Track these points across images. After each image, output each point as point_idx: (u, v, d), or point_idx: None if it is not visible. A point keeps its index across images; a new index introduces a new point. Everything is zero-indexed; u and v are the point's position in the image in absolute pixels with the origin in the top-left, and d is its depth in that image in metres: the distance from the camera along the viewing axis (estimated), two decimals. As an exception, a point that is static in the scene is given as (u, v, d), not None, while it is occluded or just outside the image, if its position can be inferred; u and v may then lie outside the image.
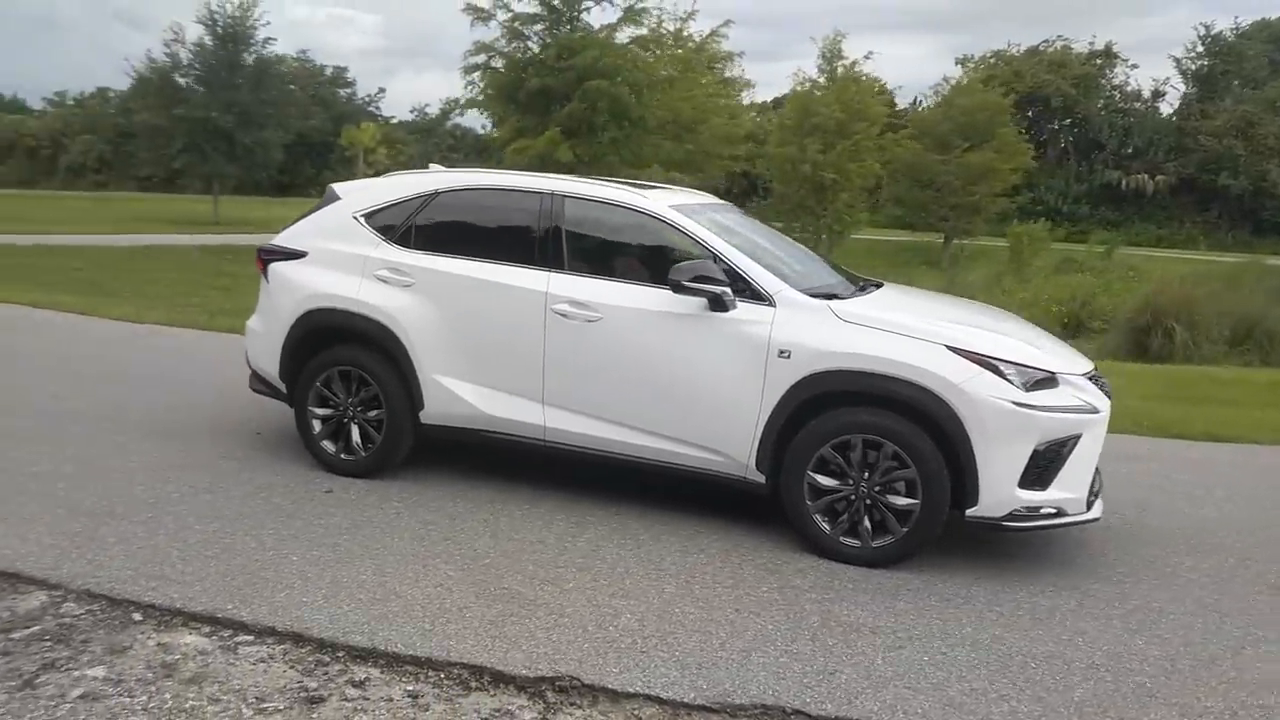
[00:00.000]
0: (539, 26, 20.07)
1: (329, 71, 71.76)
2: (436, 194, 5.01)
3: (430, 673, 3.18)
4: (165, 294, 13.69)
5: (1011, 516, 4.06)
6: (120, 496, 4.59)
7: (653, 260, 4.70)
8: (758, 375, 4.25)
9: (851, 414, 4.16)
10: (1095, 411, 4.18)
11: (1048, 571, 4.27)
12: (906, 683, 3.21)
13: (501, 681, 3.15)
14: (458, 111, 23.10)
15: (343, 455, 5.08)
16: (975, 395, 3.96)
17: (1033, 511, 4.07)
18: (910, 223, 35.54)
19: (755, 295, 4.33)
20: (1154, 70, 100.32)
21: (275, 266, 5.21)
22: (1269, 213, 45.95)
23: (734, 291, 4.31)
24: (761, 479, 4.35)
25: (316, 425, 5.12)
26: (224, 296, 13.38)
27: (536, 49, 20.11)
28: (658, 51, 22.55)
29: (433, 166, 5.66)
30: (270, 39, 32.93)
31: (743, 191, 45.79)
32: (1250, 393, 9.27)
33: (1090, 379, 4.33)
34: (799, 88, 30.31)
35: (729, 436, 4.35)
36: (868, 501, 4.17)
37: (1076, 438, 4.09)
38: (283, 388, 5.22)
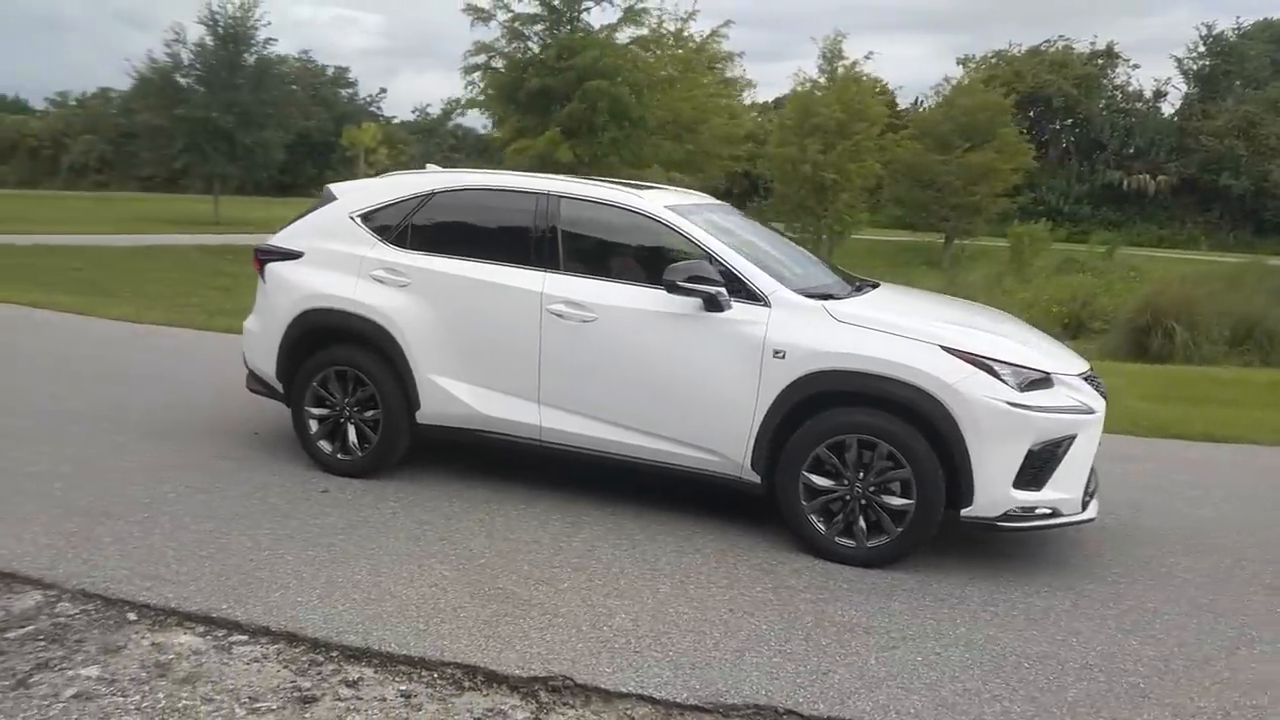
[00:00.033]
0: (539, 27, 20.07)
1: (330, 71, 71.86)
2: (433, 194, 5.02)
3: (424, 672, 3.19)
4: (165, 294, 13.71)
5: (1006, 517, 4.06)
6: (116, 496, 4.59)
7: (648, 260, 4.71)
8: (753, 375, 4.25)
9: (846, 414, 4.16)
10: (1090, 412, 4.18)
11: (1043, 572, 4.27)
12: (900, 683, 3.21)
13: (495, 681, 3.15)
14: (459, 112, 23.20)
15: (339, 455, 5.09)
16: (970, 395, 3.96)
17: (1027, 512, 4.07)
18: (911, 223, 35.53)
19: (750, 295, 4.34)
20: (1155, 70, 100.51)
21: (272, 267, 5.22)
22: (1270, 213, 45.91)
23: (729, 292, 4.31)
24: (757, 479, 4.35)
25: (313, 425, 5.12)
26: (223, 296, 13.39)
27: (537, 49, 20.12)
28: (658, 52, 22.56)
29: (429, 167, 5.66)
30: (271, 39, 33.03)
31: (744, 192, 45.78)
32: (1250, 393, 9.26)
33: (1085, 379, 4.33)
34: (799, 88, 30.32)
35: (724, 436, 4.35)
36: (863, 502, 4.17)
37: (1071, 438, 4.08)
38: (280, 388, 5.23)
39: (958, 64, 57.26)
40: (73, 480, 4.79)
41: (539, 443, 4.76)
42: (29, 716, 2.81)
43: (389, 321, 4.85)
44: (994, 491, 4.01)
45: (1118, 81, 55.18)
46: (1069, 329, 16.03)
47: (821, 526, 4.24)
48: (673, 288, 4.30)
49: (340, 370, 5.04)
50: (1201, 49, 53.41)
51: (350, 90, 73.23)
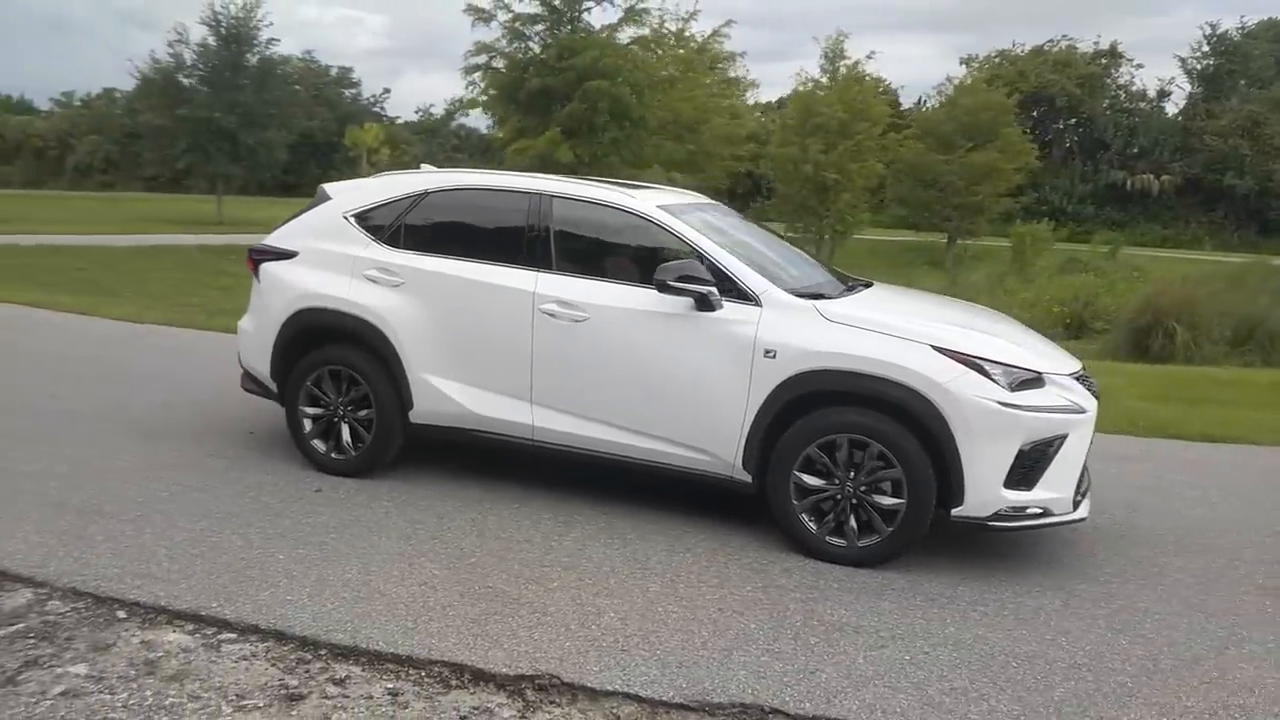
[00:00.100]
0: (540, 27, 20.11)
1: (334, 72, 72.00)
2: (426, 194, 5.03)
3: (411, 671, 3.19)
4: (166, 294, 13.76)
5: (997, 516, 4.06)
6: (110, 495, 4.61)
7: (640, 260, 4.71)
8: (743, 375, 4.25)
9: (837, 414, 4.16)
10: (1082, 411, 4.17)
11: (1034, 571, 4.26)
12: (887, 682, 3.21)
13: (482, 680, 3.16)
14: (462, 112, 23.16)
15: (333, 454, 5.10)
16: (960, 395, 3.96)
17: (1018, 511, 4.06)
18: (914, 223, 35.50)
19: (741, 295, 4.34)
20: (1159, 70, 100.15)
21: (266, 266, 5.23)
22: (1275, 213, 45.80)
23: (720, 291, 4.31)
24: (748, 478, 4.35)
25: (307, 424, 5.13)
26: (224, 296, 13.40)
27: (537, 49, 20.15)
28: (659, 52, 22.57)
29: (424, 167, 5.67)
30: (274, 40, 33.10)
31: (746, 192, 45.79)
32: (1250, 393, 9.23)
33: (1077, 379, 4.33)
34: (801, 88, 30.33)
35: (715, 436, 4.36)
36: (854, 501, 4.17)
37: (1062, 438, 4.08)
38: (274, 387, 5.24)
39: (961, 64, 57.20)
40: (68, 479, 4.80)
41: (532, 442, 4.77)
42: (16, 714, 2.82)
43: (382, 321, 4.86)
44: (985, 491, 4.01)
45: (1121, 81, 55.16)
46: (1070, 329, 16.00)
47: (812, 526, 4.24)
48: (664, 287, 4.30)
49: (334, 370, 5.05)
50: (1206, 48, 53.36)
51: (354, 90, 73.40)
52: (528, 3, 20.04)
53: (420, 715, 2.94)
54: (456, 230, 4.98)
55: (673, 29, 25.11)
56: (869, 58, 31.99)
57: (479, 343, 4.78)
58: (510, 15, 20.04)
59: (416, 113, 76.43)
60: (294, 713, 2.92)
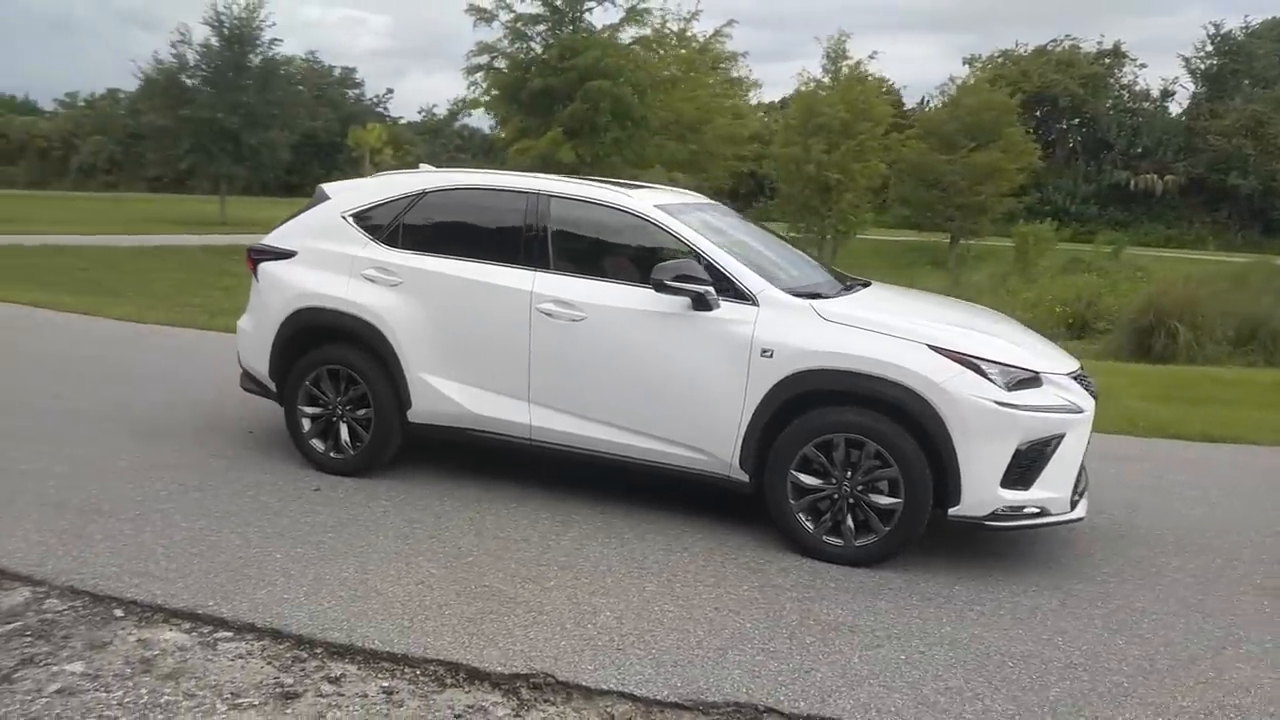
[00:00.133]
0: (541, 27, 20.12)
1: (337, 72, 72.14)
2: (424, 194, 5.03)
3: (406, 669, 3.20)
4: (168, 294, 13.78)
5: (994, 516, 4.05)
6: (109, 494, 4.62)
7: (637, 259, 4.71)
8: (740, 374, 4.25)
9: (834, 413, 4.16)
10: (1079, 411, 4.16)
11: (1032, 571, 4.26)
12: (882, 681, 3.21)
13: (477, 678, 3.16)
14: (465, 113, 23.21)
15: (332, 454, 5.11)
16: (957, 394, 3.95)
17: (1015, 511, 4.06)
18: (917, 223, 35.45)
19: (738, 294, 4.34)
20: (1163, 70, 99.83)
21: (265, 266, 5.24)
22: (1279, 213, 45.67)
23: (717, 291, 4.31)
24: (745, 478, 4.36)
25: (306, 424, 5.14)
26: (226, 296, 13.42)
27: (539, 49, 20.15)
28: (661, 52, 22.57)
29: (422, 166, 5.68)
30: (276, 40, 33.17)
31: (750, 192, 45.79)
32: (1251, 393, 9.21)
33: (1075, 378, 4.32)
34: (803, 88, 30.32)
35: (712, 435, 4.36)
36: (851, 500, 4.17)
37: (1060, 437, 4.07)
38: (273, 387, 5.25)
39: (964, 63, 57.15)
40: (68, 479, 4.81)
41: (529, 442, 4.77)
42: (11, 711, 2.83)
43: (380, 321, 4.87)
44: (981, 491, 4.01)
45: (1125, 81, 55.10)
46: (1073, 329, 15.97)
47: (809, 525, 4.24)
48: (660, 286, 4.30)
49: (332, 369, 5.06)
50: (1209, 48, 53.25)
51: (357, 91, 73.54)
52: (529, 3, 20.08)
53: (415, 714, 2.95)
54: (454, 230, 4.99)
55: (674, 29, 25.14)
56: (871, 58, 31.95)
57: (477, 342, 4.79)
58: (512, 15, 20.06)
59: (420, 113, 76.55)
60: (289, 711, 2.93)
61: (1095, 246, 32.57)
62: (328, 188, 5.38)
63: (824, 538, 4.22)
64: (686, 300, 4.32)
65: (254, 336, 5.28)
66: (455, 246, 4.89)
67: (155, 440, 5.60)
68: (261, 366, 5.23)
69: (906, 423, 4.04)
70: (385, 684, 3.11)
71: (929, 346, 4.04)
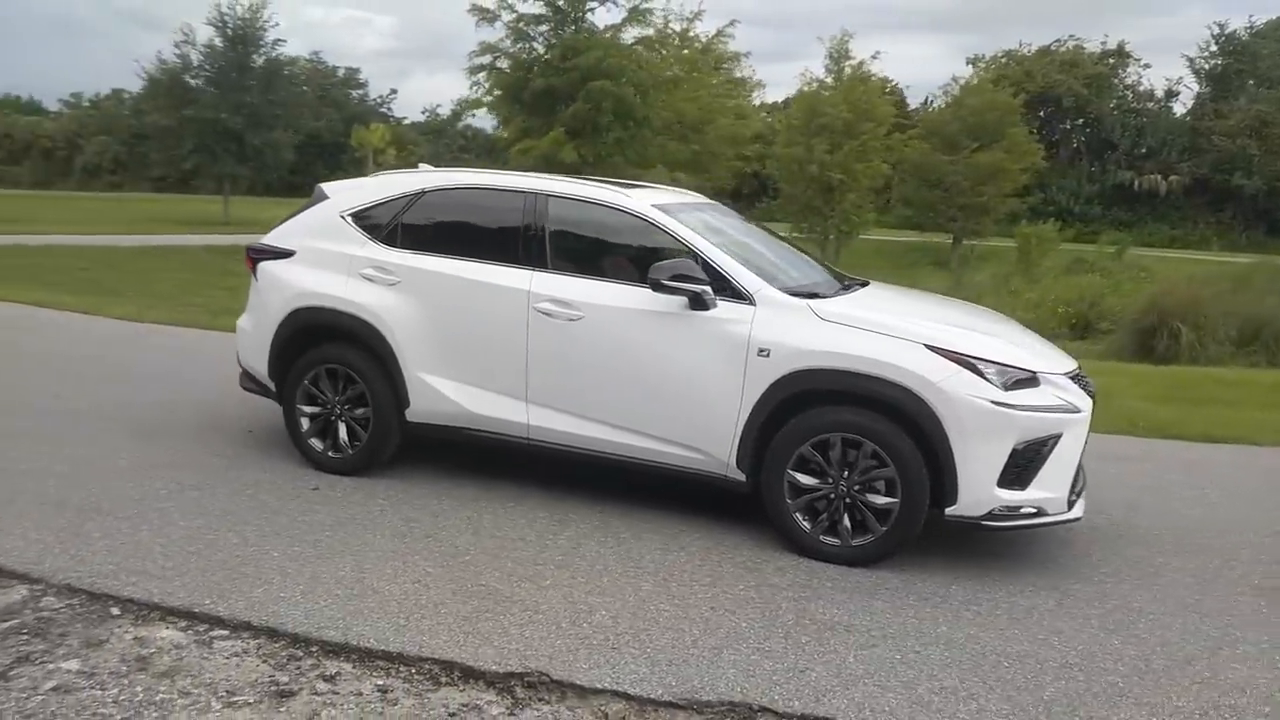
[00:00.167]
0: (544, 27, 20.13)
1: (341, 73, 72.24)
2: (422, 193, 5.04)
3: (401, 668, 3.20)
4: (170, 294, 13.80)
5: (991, 516, 4.05)
6: (108, 493, 4.63)
7: (635, 259, 4.71)
8: (737, 374, 4.25)
9: (831, 413, 4.16)
10: (1076, 411, 4.16)
11: (1029, 571, 4.26)
12: (876, 681, 3.21)
13: (471, 677, 3.16)
14: (470, 113, 23.20)
15: (330, 453, 5.12)
16: (953, 394, 3.95)
17: (1012, 511, 4.05)
18: (919, 223, 35.39)
19: (735, 294, 4.34)
20: (1167, 70, 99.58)
21: (264, 265, 5.25)
22: (1283, 213, 45.57)
23: (714, 290, 4.31)
24: (742, 477, 4.36)
25: (305, 423, 5.15)
26: (229, 296, 13.43)
27: (541, 49, 20.17)
28: (663, 52, 22.58)
29: (422, 166, 5.68)
30: (280, 40, 33.25)
31: (753, 192, 45.78)
32: (1253, 394, 9.19)
33: (1073, 378, 4.31)
34: (806, 88, 30.30)
35: (709, 435, 4.36)
36: (847, 500, 4.16)
37: (1057, 437, 4.07)
38: (272, 386, 5.26)
39: (967, 64, 57.10)
40: (66, 478, 4.82)
41: (527, 441, 4.78)
42: (6, 708, 2.83)
43: (378, 320, 4.88)
44: (978, 490, 4.00)
45: (1129, 81, 54.97)
46: (1076, 329, 15.93)
47: (806, 525, 4.24)
48: (657, 286, 4.30)
49: (331, 368, 5.06)
50: (1214, 48, 53.09)
51: (361, 91, 73.62)
52: (532, 3, 20.10)
53: (409, 712, 2.95)
54: (452, 229, 5.00)
55: (677, 29, 25.15)
56: (874, 58, 31.92)
57: (475, 342, 4.79)
58: (514, 15, 20.08)
59: (423, 113, 76.64)
60: (283, 709, 2.93)
61: (1099, 247, 32.49)
62: (326, 187, 5.39)
63: (821, 537, 4.22)
64: (684, 300, 4.32)
65: (253, 336, 5.29)
66: (453, 246, 4.89)
67: (155, 439, 5.61)
68: (260, 366, 5.24)
69: (903, 422, 4.04)
70: (380, 682, 3.11)
71: (926, 346, 4.04)
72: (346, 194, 5.24)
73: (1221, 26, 53.17)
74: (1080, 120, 53.72)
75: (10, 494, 4.54)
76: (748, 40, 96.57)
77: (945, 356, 4.01)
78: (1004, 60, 52.49)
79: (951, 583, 4.07)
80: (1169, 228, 47.68)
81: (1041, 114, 50.59)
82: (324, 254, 5.08)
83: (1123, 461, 6.17)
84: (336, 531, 4.32)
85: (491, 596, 3.73)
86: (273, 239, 5.31)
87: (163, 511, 4.44)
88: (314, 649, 3.29)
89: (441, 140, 65.45)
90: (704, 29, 28.02)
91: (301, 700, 2.98)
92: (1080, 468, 4.34)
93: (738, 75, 31.52)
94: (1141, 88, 55.00)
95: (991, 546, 4.50)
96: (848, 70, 29.70)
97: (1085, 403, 4.24)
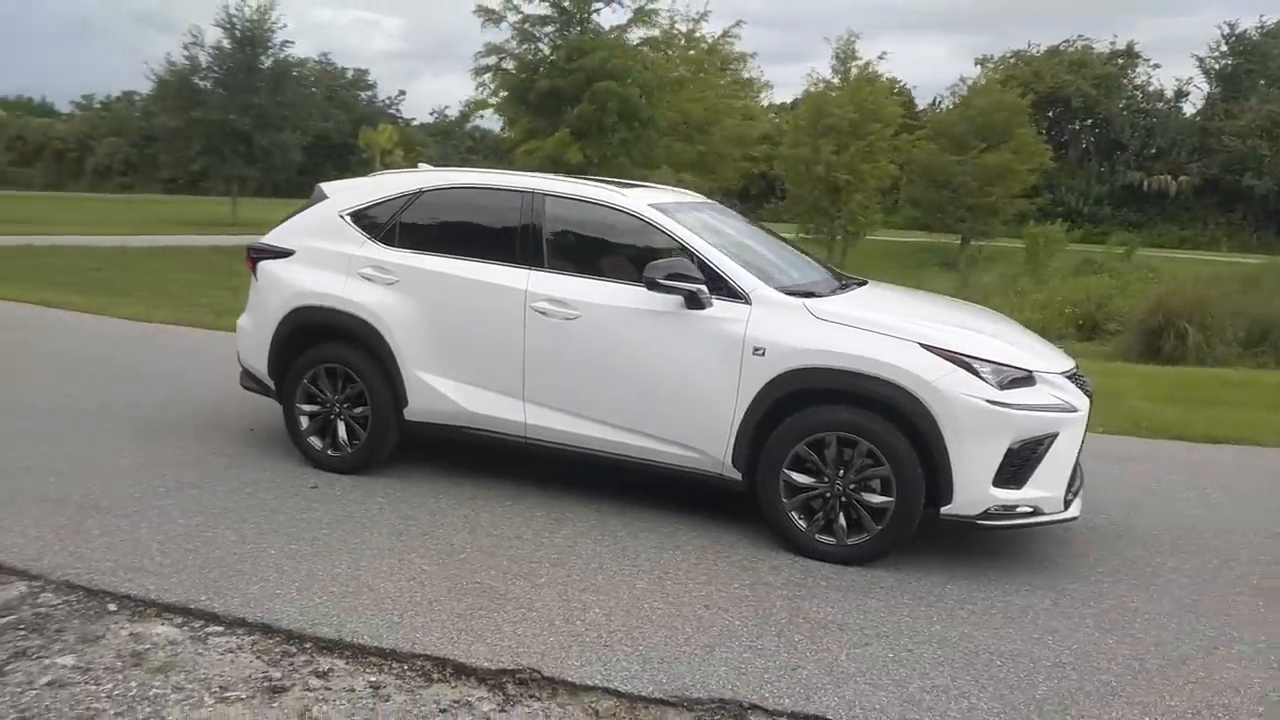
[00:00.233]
0: (549, 28, 20.17)
1: (350, 74, 72.51)
2: (420, 193, 5.06)
3: (394, 664, 3.22)
4: (177, 294, 13.89)
5: (986, 515, 4.04)
6: (109, 491, 4.66)
7: (632, 258, 4.70)
8: (733, 373, 4.25)
9: (826, 411, 4.16)
10: (1073, 410, 4.15)
11: (1025, 570, 4.25)
12: (868, 679, 3.20)
13: (463, 673, 3.17)
14: (478, 114, 23.25)
15: (329, 451, 5.14)
16: (948, 393, 3.94)
17: (1008, 510, 4.04)
18: (927, 224, 35.32)
19: (731, 293, 4.34)
20: (1177, 70, 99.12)
21: (264, 265, 5.28)
22: (1294, 213, 45.30)
23: (710, 289, 4.31)
24: (738, 476, 4.36)
25: (304, 421, 5.18)
26: (234, 297, 13.48)
27: (547, 50, 20.20)
28: (669, 53, 22.59)
29: (421, 166, 5.71)
30: (288, 42, 33.40)
31: (760, 193, 45.76)
32: (1260, 395, 9.14)
33: (1070, 378, 4.30)
34: (812, 88, 30.26)
35: (705, 434, 4.36)
36: (843, 499, 4.16)
37: (1053, 436, 4.06)
38: (271, 384, 5.29)
39: (976, 64, 56.92)
40: (67, 476, 4.86)
41: (525, 440, 4.79)
42: (2, 703, 2.86)
43: (377, 319, 4.90)
44: (973, 489, 4.00)
45: (1138, 81, 54.73)
46: (1083, 330, 15.88)
47: (802, 524, 4.24)
48: (653, 285, 4.30)
49: (330, 367, 5.09)
50: (1224, 48, 52.81)
51: (369, 93, 73.89)
52: (537, 4, 20.14)
53: (401, 708, 2.96)
54: (450, 229, 5.01)
55: (683, 30, 25.15)
56: (880, 58, 31.89)
57: (472, 341, 4.81)
58: (520, 16, 20.12)
59: (431, 114, 76.99)
60: (276, 705, 2.95)
61: (1107, 248, 32.30)
62: (326, 187, 5.41)
63: (816, 536, 4.22)
64: (679, 299, 4.33)
65: (253, 335, 5.32)
66: (451, 245, 4.91)
67: (156, 438, 5.64)
68: (260, 364, 5.27)
69: (898, 421, 4.04)
70: (373, 679, 3.13)
71: (921, 345, 4.04)
72: (345, 193, 5.27)
73: (1232, 26, 52.96)
74: (1089, 120, 53.52)
75: (12, 492, 4.58)
76: (756, 41, 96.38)
77: (940, 355, 4.01)
78: (1013, 60, 52.37)
79: (947, 582, 4.06)
80: (1178, 228, 47.45)
81: (1050, 114, 50.46)
82: (323, 253, 5.10)
83: (1125, 462, 6.15)
84: (334, 529, 4.34)
85: (486, 594, 3.74)
86: (272, 238, 5.34)
87: (162, 509, 4.47)
88: (308, 645, 3.31)
89: (450, 141, 65.59)
90: (710, 30, 27.95)
91: (294, 696, 3.00)
92: (1078, 467, 4.33)
93: (745, 76, 31.52)
94: (1151, 88, 54.85)
95: (989, 546, 4.49)
96: (854, 71, 29.66)
97: (1082, 402, 4.23)
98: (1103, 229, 44.78)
